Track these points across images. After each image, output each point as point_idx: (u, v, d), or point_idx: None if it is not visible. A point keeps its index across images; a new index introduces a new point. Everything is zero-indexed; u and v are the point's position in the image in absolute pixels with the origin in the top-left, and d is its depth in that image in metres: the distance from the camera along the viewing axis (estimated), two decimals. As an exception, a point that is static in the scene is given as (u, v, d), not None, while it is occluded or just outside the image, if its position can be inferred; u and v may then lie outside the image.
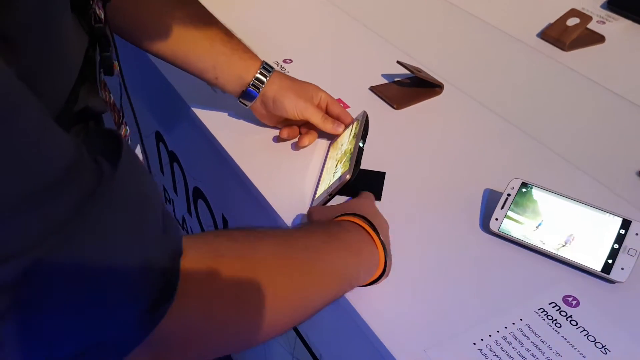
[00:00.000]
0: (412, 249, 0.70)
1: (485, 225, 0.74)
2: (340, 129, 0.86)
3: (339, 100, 0.95)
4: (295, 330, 0.91)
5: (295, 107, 0.84)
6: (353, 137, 0.79)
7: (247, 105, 0.86)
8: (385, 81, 1.01)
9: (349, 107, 0.94)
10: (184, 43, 0.82)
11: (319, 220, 0.68)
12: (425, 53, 1.09)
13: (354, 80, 1.01)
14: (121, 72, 0.63)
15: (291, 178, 0.82)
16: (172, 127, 1.13)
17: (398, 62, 0.96)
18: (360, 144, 0.77)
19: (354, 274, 0.61)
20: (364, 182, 0.77)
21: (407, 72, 0.97)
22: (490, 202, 0.77)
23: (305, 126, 0.88)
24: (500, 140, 0.90)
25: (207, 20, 0.84)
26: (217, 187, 1.05)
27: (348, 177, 0.72)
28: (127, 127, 0.66)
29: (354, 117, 0.87)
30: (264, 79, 0.83)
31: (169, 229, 0.42)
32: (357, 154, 0.75)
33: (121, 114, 0.64)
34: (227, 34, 0.85)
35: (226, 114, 0.93)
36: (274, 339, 0.99)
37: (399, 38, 1.14)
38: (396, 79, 1.01)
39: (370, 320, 0.63)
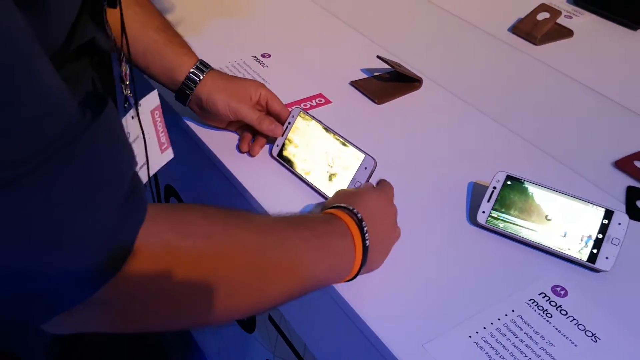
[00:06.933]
0: (402, 245, 0.70)
1: (472, 218, 0.75)
2: (278, 131, 0.81)
3: (320, 95, 0.95)
4: (277, 328, 0.90)
5: (228, 108, 0.80)
6: (314, 133, 0.79)
7: (184, 105, 0.83)
8: (365, 76, 1.01)
9: (330, 102, 0.94)
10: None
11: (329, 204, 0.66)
12: (403, 48, 1.10)
13: (334, 75, 1.00)
14: (120, 7, 0.60)
15: (272, 170, 0.81)
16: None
17: (378, 56, 0.96)
18: (334, 135, 0.78)
19: (322, 278, 0.60)
20: None
21: (386, 67, 0.98)
22: (476, 195, 0.78)
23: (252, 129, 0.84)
24: (480, 133, 0.92)
25: (143, 3, 0.80)
26: (192, 185, 1.03)
27: (374, 162, 0.74)
28: (127, 65, 0.65)
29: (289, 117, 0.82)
30: (196, 78, 0.79)
31: (132, 196, 0.41)
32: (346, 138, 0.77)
33: (122, 51, 0.63)
34: (164, 24, 0.81)
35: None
36: (252, 337, 0.99)
37: (376, 34, 1.14)
38: (376, 74, 1.01)
39: (367, 317, 0.63)
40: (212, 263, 0.47)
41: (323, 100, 0.94)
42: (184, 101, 0.82)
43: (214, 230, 0.48)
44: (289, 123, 0.82)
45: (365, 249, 0.61)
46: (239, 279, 0.49)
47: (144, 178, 0.72)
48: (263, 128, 0.81)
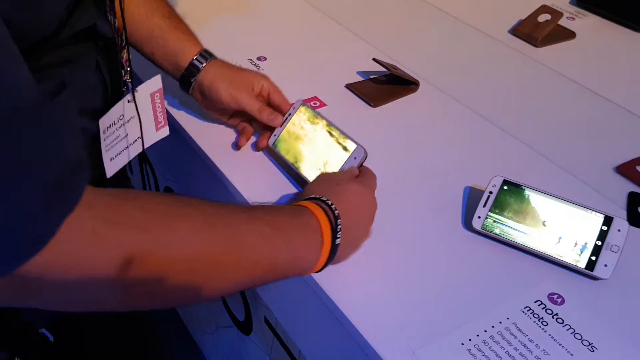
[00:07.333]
0: (396, 249, 0.69)
1: (467, 223, 0.73)
2: (278, 121, 0.80)
3: (315, 98, 0.94)
4: (273, 330, 0.89)
5: (230, 96, 0.80)
6: (312, 124, 0.78)
7: (187, 92, 0.83)
8: (361, 79, 0.99)
9: (325, 105, 0.93)
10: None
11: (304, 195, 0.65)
12: (400, 50, 1.08)
13: (329, 78, 0.99)
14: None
15: (266, 171, 0.80)
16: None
17: (374, 59, 0.95)
18: (331, 127, 0.77)
19: (280, 271, 0.57)
20: None
21: (382, 70, 0.96)
22: (472, 200, 0.77)
23: (258, 122, 0.84)
24: (478, 137, 0.90)
25: None
26: (189, 186, 1.02)
27: (365, 152, 0.73)
28: (129, 53, 0.67)
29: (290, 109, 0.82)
30: (199, 65, 0.80)
31: (62, 184, 0.41)
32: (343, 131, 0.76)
33: (124, 37, 0.65)
34: (170, 11, 0.81)
35: (197, 106, 0.89)
36: (249, 339, 0.98)
37: (373, 36, 1.13)
38: (372, 76, 0.99)
39: (358, 322, 0.61)
40: (143, 256, 0.45)
41: (318, 103, 0.92)
42: (187, 88, 0.82)
43: (152, 223, 0.47)
44: (289, 114, 0.81)
45: (334, 246, 0.59)
46: (175, 272, 0.48)
47: (138, 149, 0.75)
48: (263, 118, 0.81)
